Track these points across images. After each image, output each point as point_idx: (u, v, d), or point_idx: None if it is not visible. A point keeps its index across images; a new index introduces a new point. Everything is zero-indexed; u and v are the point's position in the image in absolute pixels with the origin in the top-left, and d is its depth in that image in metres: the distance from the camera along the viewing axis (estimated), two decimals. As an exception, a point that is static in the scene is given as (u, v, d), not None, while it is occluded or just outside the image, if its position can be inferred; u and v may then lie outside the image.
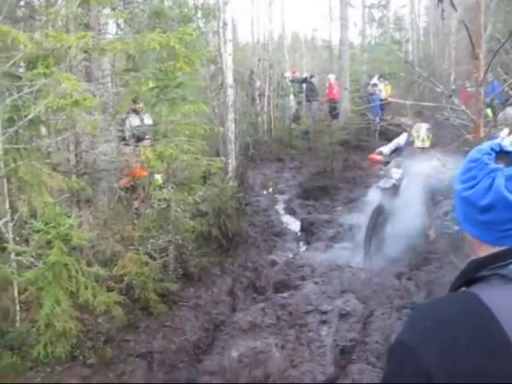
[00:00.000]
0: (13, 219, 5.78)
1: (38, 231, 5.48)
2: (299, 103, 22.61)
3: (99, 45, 6.98)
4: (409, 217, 8.32)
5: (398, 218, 8.62)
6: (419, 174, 8.30)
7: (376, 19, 31.06)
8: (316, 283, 8.12)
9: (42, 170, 5.88)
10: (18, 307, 5.72)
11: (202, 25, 15.13)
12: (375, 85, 20.05)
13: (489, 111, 7.45)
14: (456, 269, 7.21)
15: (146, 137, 9.71)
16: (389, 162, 9.01)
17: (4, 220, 5.71)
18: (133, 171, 8.42)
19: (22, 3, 8.52)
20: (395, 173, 8.75)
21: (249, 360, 5.86)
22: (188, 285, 7.88)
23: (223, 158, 10.17)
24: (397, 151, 9.09)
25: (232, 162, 11.84)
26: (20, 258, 5.70)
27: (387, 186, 8.72)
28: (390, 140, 10.33)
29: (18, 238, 6.01)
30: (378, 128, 18.08)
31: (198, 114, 8.35)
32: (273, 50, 22.35)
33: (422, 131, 8.72)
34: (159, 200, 8.08)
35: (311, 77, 22.20)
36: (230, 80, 12.02)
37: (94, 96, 6.69)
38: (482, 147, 1.50)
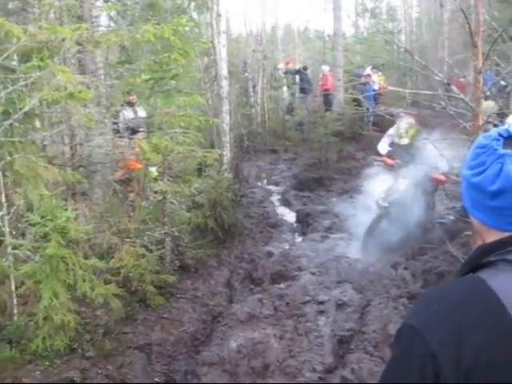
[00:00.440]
0: (9, 213, 5.76)
1: (34, 224, 5.46)
2: (293, 95, 22.56)
3: (93, 37, 6.95)
4: (408, 210, 8.33)
5: (398, 217, 8.61)
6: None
7: (369, 10, 31.09)
8: (313, 274, 8.14)
9: (38, 163, 5.85)
10: (15, 301, 5.70)
11: (195, 16, 15.10)
12: (369, 75, 20.01)
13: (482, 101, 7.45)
14: (452, 258, 7.26)
15: (140, 129, 9.68)
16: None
17: (0, 213, 5.69)
18: (127, 164, 8.40)
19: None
20: (403, 183, 8.56)
21: (247, 351, 5.86)
22: (185, 277, 7.88)
23: (218, 150, 10.15)
24: (392, 146, 9.06)
25: (227, 154, 11.82)
26: (17, 251, 5.69)
27: (386, 204, 8.60)
28: (382, 131, 10.34)
29: (14, 232, 6.00)
30: (372, 119, 18.12)
31: (192, 106, 8.33)
32: (266, 41, 22.32)
33: (401, 126, 8.64)
34: (155, 192, 8.06)
35: (304, 68, 22.16)
36: (224, 71, 11.99)
37: (89, 88, 6.66)
38: (491, 133, 1.50)
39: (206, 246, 8.55)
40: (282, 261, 8.78)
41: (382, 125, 13.84)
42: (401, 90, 10.26)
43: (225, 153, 11.67)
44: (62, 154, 6.97)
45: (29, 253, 5.64)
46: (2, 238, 5.77)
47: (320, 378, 5.64)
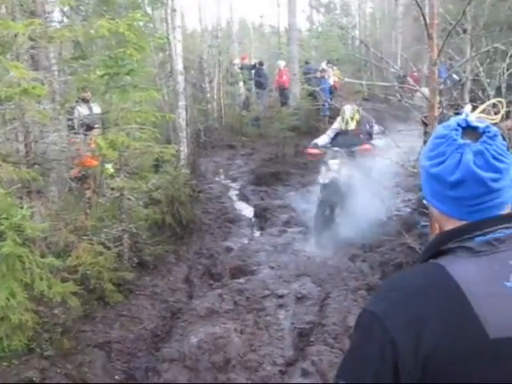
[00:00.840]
0: (-37, 211, 5.64)
1: (-11, 223, 5.36)
2: (249, 90, 22.59)
3: (47, 33, 6.84)
4: (358, 201, 8.45)
5: (346, 205, 8.75)
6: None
7: (323, 5, 31.28)
8: (272, 268, 8.17)
9: (-8, 160, 5.75)
10: (-30, 301, 5.60)
11: (149, 11, 14.98)
12: (324, 70, 20.15)
13: None
14: (409, 249, 7.37)
15: (96, 126, 9.58)
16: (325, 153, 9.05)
17: (-47, 213, 5.57)
18: (83, 161, 8.30)
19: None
20: (333, 164, 8.77)
21: (208, 346, 5.86)
22: (143, 273, 7.84)
23: (175, 146, 10.10)
24: (335, 137, 9.16)
25: (184, 150, 11.80)
26: (-29, 251, 5.58)
27: (327, 181, 8.73)
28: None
29: (-32, 231, 5.88)
30: (328, 113, 18.24)
31: (147, 102, 8.28)
32: (221, 36, 22.27)
33: (346, 113, 8.81)
34: (112, 189, 7.99)
35: (261, 63, 22.19)
36: (179, 67, 11.95)
37: (43, 85, 6.55)
38: (449, 123, 1.51)
39: (164, 243, 8.52)
40: (241, 256, 8.80)
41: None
42: (358, 81, 10.37)
43: (182, 148, 11.64)
44: (16, 151, 6.84)
45: (-17, 252, 5.54)
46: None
47: (280, 371, 5.67)
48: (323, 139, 9.18)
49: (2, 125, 6.69)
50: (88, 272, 6.56)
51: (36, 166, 6.82)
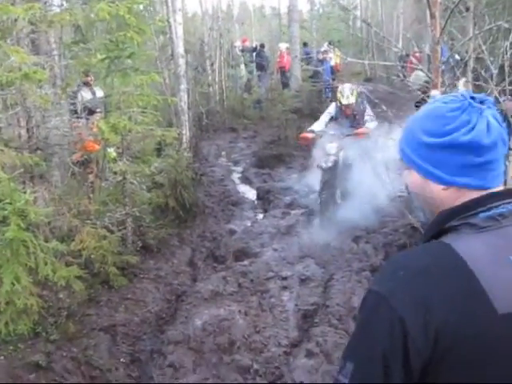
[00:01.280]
0: (-34, 197, 5.65)
1: (-8, 208, 5.37)
2: (250, 73, 22.52)
3: (47, 17, 6.79)
4: (360, 184, 8.45)
5: (348, 187, 8.76)
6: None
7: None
8: (275, 250, 8.19)
9: (-6, 146, 5.74)
10: (-26, 286, 5.62)
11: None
12: (325, 52, 20.07)
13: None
14: (412, 230, 7.37)
15: (98, 110, 9.57)
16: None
17: (-43, 198, 5.58)
18: (85, 145, 8.29)
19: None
20: (331, 148, 8.77)
21: (213, 328, 5.89)
22: (147, 257, 7.86)
23: (177, 129, 10.07)
24: (330, 122, 9.14)
25: (186, 133, 11.76)
26: (-25, 236, 5.59)
27: (329, 164, 8.73)
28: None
29: (-29, 217, 5.88)
30: (329, 95, 18.19)
31: (149, 85, 8.24)
32: (222, 19, 22.16)
33: (345, 90, 8.83)
34: (114, 173, 7.99)
35: (262, 46, 22.11)
36: (180, 50, 11.89)
37: (44, 69, 6.53)
38: (453, 97, 1.50)
39: (167, 226, 8.53)
40: (244, 238, 8.82)
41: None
42: (360, 61, 10.34)
43: (184, 132, 11.61)
44: (18, 136, 6.82)
45: (-13, 237, 5.55)
46: (-41, 223, 5.66)
47: (285, 352, 5.70)
48: (319, 125, 9.15)
49: (3, 110, 6.67)
50: (92, 256, 6.57)
51: (38, 151, 6.81)
